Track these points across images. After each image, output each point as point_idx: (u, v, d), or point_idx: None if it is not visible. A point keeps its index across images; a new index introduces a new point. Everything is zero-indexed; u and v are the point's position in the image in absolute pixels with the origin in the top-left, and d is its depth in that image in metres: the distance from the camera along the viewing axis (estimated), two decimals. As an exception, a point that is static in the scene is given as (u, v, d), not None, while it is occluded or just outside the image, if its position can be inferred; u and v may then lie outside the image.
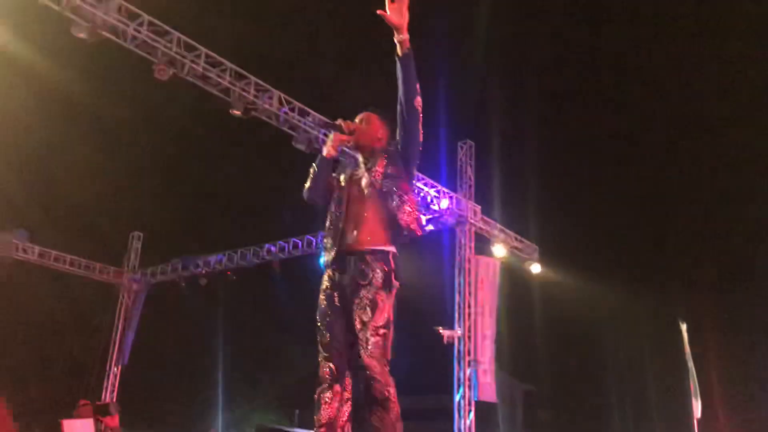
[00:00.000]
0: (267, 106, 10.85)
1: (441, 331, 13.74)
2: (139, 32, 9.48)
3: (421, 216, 3.61)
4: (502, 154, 14.84)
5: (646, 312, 22.24)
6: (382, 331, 3.36)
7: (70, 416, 6.65)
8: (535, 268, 15.12)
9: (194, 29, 10.23)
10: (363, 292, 3.42)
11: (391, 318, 3.43)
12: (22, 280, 17.26)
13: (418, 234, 3.57)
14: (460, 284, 13.24)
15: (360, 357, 3.34)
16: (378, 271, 3.44)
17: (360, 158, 3.74)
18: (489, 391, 13.10)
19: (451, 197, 13.39)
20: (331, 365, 3.47)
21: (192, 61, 10.05)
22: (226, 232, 16.85)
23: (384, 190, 3.53)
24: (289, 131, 11.21)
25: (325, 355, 3.50)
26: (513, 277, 15.15)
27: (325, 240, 3.64)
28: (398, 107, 3.59)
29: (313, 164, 3.78)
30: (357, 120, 3.83)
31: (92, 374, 16.83)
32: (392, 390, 3.31)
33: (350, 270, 3.48)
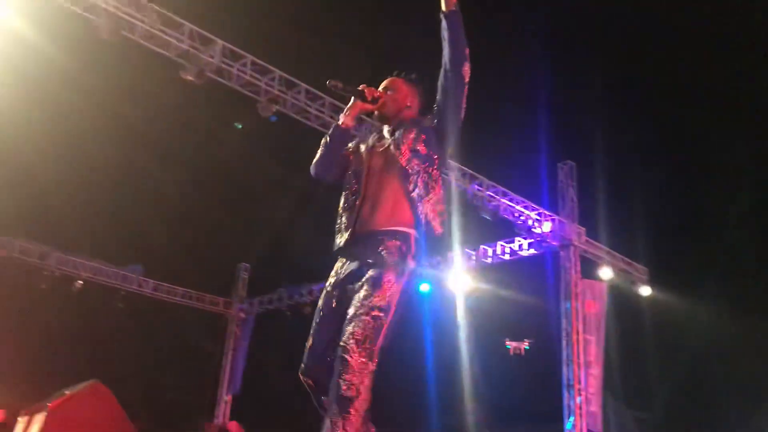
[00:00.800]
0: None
1: (508, 342, 13.45)
2: (243, 72, 9.89)
3: (443, 213, 3.01)
4: (605, 174, 14.34)
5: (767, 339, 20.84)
6: (376, 313, 2.71)
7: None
8: (645, 291, 14.53)
9: (293, 66, 10.57)
10: (369, 272, 2.85)
11: (395, 306, 2.78)
12: (137, 312, 18.12)
13: (437, 233, 3.00)
14: (566, 309, 12.87)
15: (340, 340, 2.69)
16: (393, 249, 2.87)
17: (385, 129, 3.19)
18: (597, 420, 12.60)
19: (553, 219, 13.10)
20: (310, 381, 2.92)
21: (293, 97, 10.37)
22: (330, 261, 17.10)
23: (409, 170, 2.96)
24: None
25: (303, 365, 2.94)
26: (621, 301, 14.58)
27: (338, 221, 3.13)
28: (442, 74, 3.02)
29: (326, 135, 3.27)
30: (381, 87, 3.28)
31: (205, 402, 17.42)
32: (362, 390, 2.61)
33: (362, 255, 2.93)
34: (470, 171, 12.34)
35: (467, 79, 3.00)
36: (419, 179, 2.94)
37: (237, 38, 9.93)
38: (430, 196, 2.96)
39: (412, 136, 3.01)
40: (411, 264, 2.90)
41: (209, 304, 18.45)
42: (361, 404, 2.60)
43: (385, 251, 2.86)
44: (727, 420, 24.66)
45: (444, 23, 2.96)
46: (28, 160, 13.04)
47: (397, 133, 3.08)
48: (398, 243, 2.89)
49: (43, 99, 11.25)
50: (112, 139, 13.31)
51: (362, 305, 2.75)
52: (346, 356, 2.62)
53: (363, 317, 2.71)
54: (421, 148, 2.98)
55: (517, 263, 14.23)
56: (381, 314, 2.73)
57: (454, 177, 12.00)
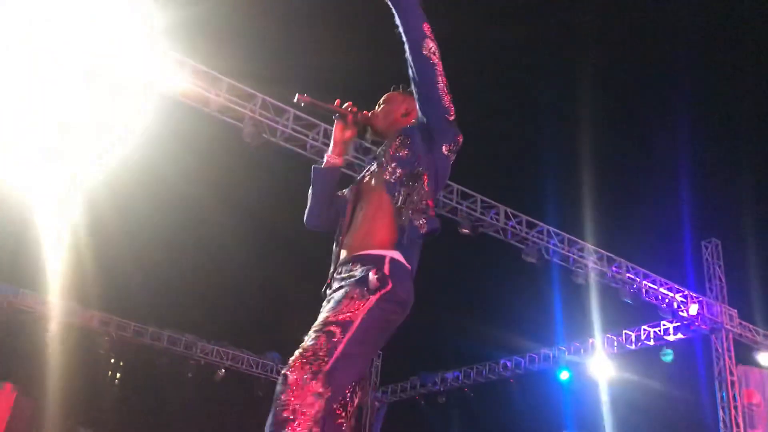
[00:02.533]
0: (494, 221, 10.95)
1: None
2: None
3: (429, 208, 2.54)
4: (754, 251, 13.37)
5: None
6: (330, 329, 2.31)
7: None
8: (815, 378, 13.08)
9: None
10: (333, 296, 2.49)
11: (357, 327, 2.32)
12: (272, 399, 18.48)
13: (422, 231, 2.53)
14: (723, 399, 11.81)
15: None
16: (364, 271, 2.47)
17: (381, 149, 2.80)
18: None
19: (700, 301, 12.26)
20: None
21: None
22: (462, 348, 16.86)
23: (392, 181, 2.58)
24: (518, 244, 11.16)
25: None
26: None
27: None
28: (409, 71, 2.59)
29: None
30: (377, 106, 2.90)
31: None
32: (299, 414, 2.17)
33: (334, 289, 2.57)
34: (607, 253, 11.88)
35: (435, 59, 2.54)
36: (402, 187, 2.55)
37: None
38: (413, 197, 2.54)
39: (396, 143, 2.65)
40: (385, 285, 2.42)
41: (343, 392, 18.55)
42: (296, 430, 2.15)
43: (352, 277, 2.48)
44: None
45: (393, 9, 2.54)
46: (169, 257, 13.93)
47: (382, 147, 2.74)
48: (371, 267, 2.47)
49: (174, 196, 11.98)
50: (245, 233, 14.02)
51: (317, 324, 2.38)
52: (287, 372, 2.24)
53: (315, 334, 2.33)
54: (403, 153, 2.61)
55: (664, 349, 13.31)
56: (336, 331, 2.30)
57: (591, 260, 11.59)
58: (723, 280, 12.58)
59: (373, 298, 2.36)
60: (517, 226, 11.10)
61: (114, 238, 12.46)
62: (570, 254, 11.49)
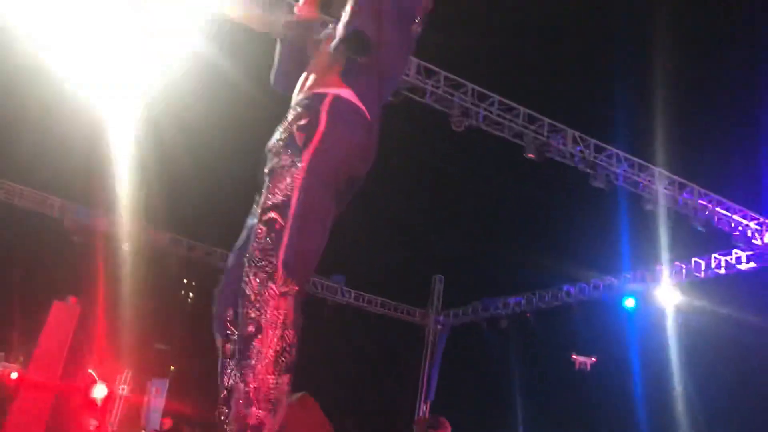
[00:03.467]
0: (561, 146, 10.68)
1: (574, 357, 12.35)
2: (437, 88, 10.03)
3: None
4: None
5: None
6: (269, 215, 2.00)
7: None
8: None
9: (486, 78, 10.53)
10: (271, 164, 2.12)
11: (297, 202, 2.01)
12: (339, 322, 19.00)
13: (368, 45, 2.12)
14: (795, 330, 11.50)
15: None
16: (301, 119, 2.10)
17: None
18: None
19: (776, 230, 11.80)
20: (224, 380, 2.20)
21: (485, 109, 10.33)
22: (526, 274, 16.84)
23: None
24: (586, 170, 10.89)
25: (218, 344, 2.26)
26: None
27: None
28: None
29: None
30: None
31: (404, 410, 17.84)
32: (264, 324, 1.93)
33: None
34: (679, 179, 11.48)
35: None
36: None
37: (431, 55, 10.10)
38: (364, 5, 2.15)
39: None
40: (313, 133, 2.06)
41: (406, 314, 18.90)
42: (265, 344, 1.91)
43: (291, 128, 2.11)
44: None
45: None
46: (237, 180, 14.18)
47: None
48: (308, 111, 2.11)
49: (240, 121, 12.11)
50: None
51: (257, 211, 2.08)
52: (242, 285, 1.96)
53: (256, 229, 2.02)
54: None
55: (735, 278, 12.97)
56: (276, 216, 1.99)
57: (662, 186, 11.24)
58: (803, 207, 12.05)
59: (304, 164, 2.03)
60: (585, 151, 10.81)
61: (184, 162, 12.74)
62: (640, 180, 11.17)
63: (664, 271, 13.48)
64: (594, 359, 13.27)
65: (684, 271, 13.43)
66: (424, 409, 18.36)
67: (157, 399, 15.49)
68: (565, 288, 15.68)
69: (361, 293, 18.12)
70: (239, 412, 1.88)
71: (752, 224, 11.90)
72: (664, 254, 13.02)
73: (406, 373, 19.28)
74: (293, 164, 2.02)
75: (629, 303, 14.61)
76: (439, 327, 18.76)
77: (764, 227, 11.88)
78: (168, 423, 14.30)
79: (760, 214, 12.02)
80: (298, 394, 2.42)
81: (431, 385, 18.29)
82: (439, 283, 19.28)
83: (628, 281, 14.50)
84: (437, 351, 18.71)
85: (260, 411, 1.87)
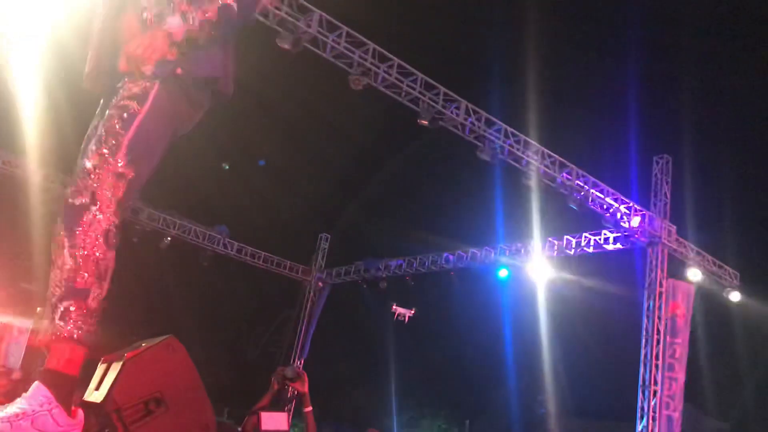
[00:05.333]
0: (454, 116, 10.87)
1: (394, 308, 13.20)
2: (337, 44, 9.91)
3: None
4: (701, 172, 13.71)
5: None
6: (126, 103, 2.11)
7: (262, 397, 6.98)
8: (735, 297, 13.83)
9: (388, 40, 10.51)
10: None
11: (155, 95, 2.15)
12: (220, 273, 18.73)
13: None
14: (649, 308, 12.42)
15: None
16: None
17: None
18: (674, 425, 12.14)
19: (643, 215, 12.61)
20: None
21: (385, 71, 10.33)
22: (408, 239, 17.19)
23: None
24: (475, 141, 11.16)
25: None
26: (709, 305, 13.96)
27: None
28: None
29: None
30: None
31: (277, 366, 17.89)
32: (105, 202, 1.98)
33: None
34: (560, 158, 12.01)
35: None
36: None
37: (334, 9, 9.95)
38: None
39: None
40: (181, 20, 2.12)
41: (289, 270, 18.84)
42: (96, 216, 1.96)
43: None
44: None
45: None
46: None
47: None
48: None
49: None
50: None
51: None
52: (82, 159, 2.02)
53: (108, 114, 2.07)
54: None
55: (603, 257, 13.82)
56: (132, 104, 2.06)
57: (544, 164, 11.72)
58: (668, 196, 12.92)
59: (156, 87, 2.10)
60: (476, 123, 11.07)
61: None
62: (524, 156, 11.58)
63: (537, 245, 14.13)
64: (413, 312, 13.86)
65: (556, 246, 14.13)
66: (298, 364, 18.48)
67: (21, 337, 14.77)
68: (444, 255, 16.13)
69: (244, 246, 17.87)
70: (67, 277, 1.92)
71: (622, 207, 12.65)
72: (539, 229, 13.67)
73: (284, 328, 19.32)
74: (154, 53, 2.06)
75: (503, 273, 15.26)
76: (320, 285, 18.86)
77: (632, 211, 12.66)
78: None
79: (631, 199, 12.79)
80: (165, 337, 2.36)
81: (306, 341, 18.42)
82: (324, 241, 19.32)
83: (504, 252, 15.11)
84: (316, 308, 18.83)
85: (87, 276, 1.93)
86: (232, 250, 17.59)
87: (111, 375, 2.30)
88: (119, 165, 1.97)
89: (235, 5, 2.29)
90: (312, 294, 18.87)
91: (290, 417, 13.01)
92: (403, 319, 13.96)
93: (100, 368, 2.47)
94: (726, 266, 14.00)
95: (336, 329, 21.96)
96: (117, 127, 2.00)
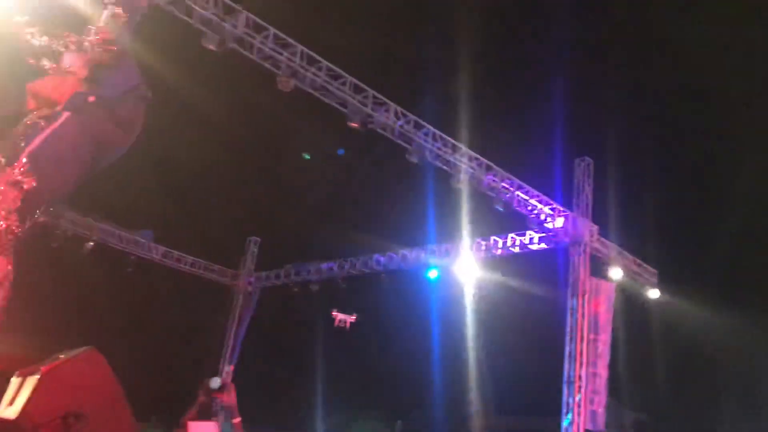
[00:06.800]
0: (384, 119, 10.93)
1: (334, 313, 13.46)
2: (264, 45, 9.80)
3: None
4: (622, 174, 14.22)
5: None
6: (36, 120, 2.19)
7: (188, 409, 6.83)
8: (654, 294, 14.41)
9: (317, 42, 10.46)
10: None
11: (71, 125, 2.16)
12: (145, 278, 18.21)
13: None
14: (572, 306, 12.79)
15: None
16: None
17: None
18: (598, 419, 12.54)
19: (566, 215, 12.99)
20: None
21: (313, 73, 10.28)
22: (339, 242, 17.17)
23: None
24: (404, 144, 11.25)
25: None
26: (630, 303, 14.48)
27: None
28: None
29: None
30: None
31: (206, 373, 17.52)
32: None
33: None
34: (486, 161, 12.23)
35: None
36: None
37: (261, 10, 9.83)
38: None
39: None
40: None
41: (217, 274, 18.52)
42: None
43: None
44: (730, 425, 24.63)
45: None
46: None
47: None
48: None
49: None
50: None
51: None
52: None
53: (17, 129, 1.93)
54: None
55: (530, 257, 14.16)
56: (41, 121, 2.02)
57: (471, 167, 11.91)
58: (590, 197, 13.33)
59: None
60: (405, 126, 11.15)
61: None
62: (452, 158, 11.75)
63: (466, 246, 14.36)
64: (354, 318, 13.94)
65: (483, 247, 14.40)
66: (227, 371, 18.17)
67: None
68: (375, 257, 16.19)
69: (171, 250, 17.46)
70: None
71: (546, 209, 12.99)
72: (467, 231, 13.90)
73: (213, 334, 18.96)
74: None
75: (432, 274, 15.44)
76: (249, 289, 18.61)
77: (556, 212, 13.02)
78: None
79: (554, 201, 13.14)
80: (84, 348, 2.28)
81: (236, 347, 18.14)
82: (253, 245, 19.08)
83: (433, 253, 15.28)
84: (246, 313, 18.58)
85: None
86: (157, 255, 17.16)
87: (26, 389, 2.21)
88: (15, 173, 1.89)
89: (121, 11, 2.27)
90: (241, 298, 18.60)
91: (221, 427, 12.77)
92: (344, 325, 13.90)
93: (14, 382, 2.37)
94: (646, 265, 14.56)
95: (267, 334, 21.69)
96: (20, 138, 1.91)
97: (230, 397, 6.02)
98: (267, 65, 10.00)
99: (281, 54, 9.95)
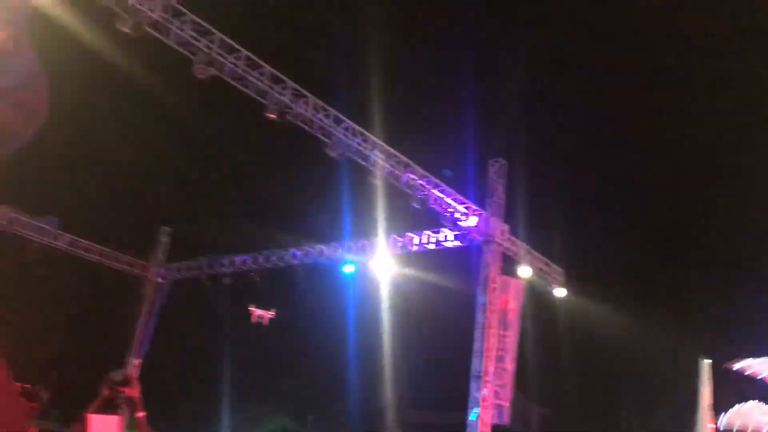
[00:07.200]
0: (303, 111, 10.87)
1: (251, 309, 13.68)
2: (182, 30, 9.57)
3: None
4: (534, 177, 14.69)
5: (670, 344, 21.85)
6: None
7: (91, 403, 6.62)
8: (560, 293, 14.94)
9: (237, 31, 10.29)
10: None
11: None
12: (50, 267, 17.48)
13: None
14: (483, 303, 13.11)
15: None
16: None
17: None
18: (504, 414, 12.92)
19: (479, 214, 13.30)
20: None
21: (232, 62, 10.12)
22: (254, 235, 16.95)
23: None
24: (323, 138, 11.23)
25: None
26: (537, 300, 14.98)
27: None
28: None
29: None
30: None
31: (113, 366, 16.96)
32: None
33: None
34: (405, 158, 12.37)
35: None
36: None
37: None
38: None
39: None
40: None
41: (126, 265, 17.95)
42: None
43: None
44: (628, 418, 25.84)
45: None
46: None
47: None
48: None
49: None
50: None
51: None
52: None
53: None
54: None
55: (445, 254, 14.43)
56: None
57: (387, 163, 12.01)
58: (503, 197, 13.71)
59: None
60: (324, 119, 11.13)
61: None
62: (371, 154, 11.82)
63: (382, 242, 14.49)
64: (273, 313, 13.88)
65: (400, 243, 14.57)
66: (135, 363, 17.66)
67: None
68: (291, 251, 16.09)
69: (78, 239, 16.79)
70: None
71: (461, 207, 13.25)
72: (383, 227, 14.03)
73: (121, 326, 18.38)
74: None
75: (348, 269, 15.48)
76: (160, 280, 18.14)
77: (470, 212, 13.31)
78: None
79: (469, 200, 13.43)
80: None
81: (145, 340, 17.65)
82: (165, 235, 18.58)
83: (349, 248, 15.34)
84: (156, 305, 18.10)
85: None
86: (63, 243, 16.48)
87: None
88: None
89: None
90: (152, 290, 18.11)
91: (126, 420, 12.41)
92: (262, 321, 13.70)
93: None
94: (553, 264, 15.07)
95: (178, 327, 21.20)
96: None
97: (134, 391, 5.86)
98: (183, 51, 9.77)
99: (199, 41, 9.74)
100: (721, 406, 16.48)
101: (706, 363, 11.55)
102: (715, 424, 11.34)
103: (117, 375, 5.90)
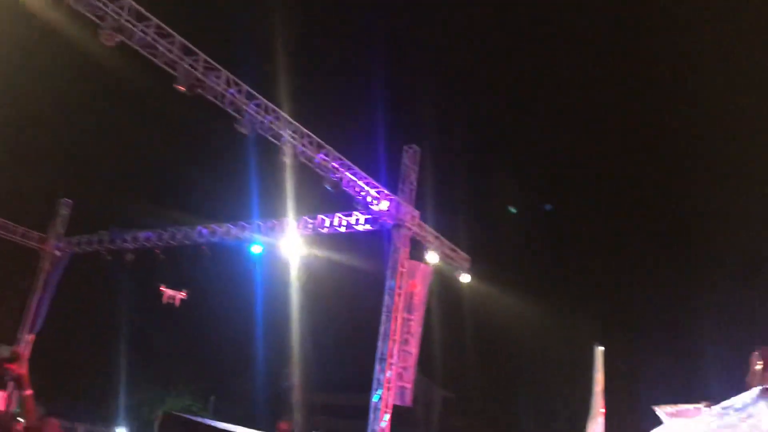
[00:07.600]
0: (214, 85, 10.60)
1: (162, 288, 13.79)
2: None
3: None
4: (446, 164, 14.94)
5: (565, 330, 22.81)
6: None
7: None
8: (465, 279, 15.26)
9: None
10: None
11: None
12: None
13: None
14: (390, 286, 13.25)
15: None
16: None
17: None
18: (407, 395, 13.14)
19: (391, 199, 13.38)
20: None
21: (142, 30, 9.74)
22: (162, 211, 16.46)
23: None
24: (234, 113, 10.99)
25: None
26: (444, 286, 15.27)
27: None
28: None
29: None
30: None
31: (4, 341, 16.17)
32: None
33: None
34: (318, 139, 12.28)
35: None
36: None
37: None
38: None
39: None
40: None
41: (20, 236, 17.07)
42: None
43: None
44: (524, 405, 26.87)
45: None
46: None
47: None
48: None
49: None
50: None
51: None
52: None
53: None
54: None
55: (356, 237, 14.45)
56: None
57: (300, 142, 11.90)
58: (414, 183, 13.85)
59: None
60: (236, 95, 10.90)
61: None
62: (283, 133, 11.66)
63: (292, 222, 14.37)
64: (185, 294, 13.63)
65: (310, 225, 14.49)
66: (28, 339, 16.88)
67: None
68: (198, 228, 15.73)
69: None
70: None
71: (373, 192, 13.30)
72: (293, 207, 13.92)
73: (14, 300, 17.53)
74: None
75: (256, 249, 15.28)
76: (57, 254, 17.36)
77: (382, 196, 13.37)
78: None
79: (381, 184, 13.49)
80: None
81: (39, 314, 16.89)
82: (64, 207, 17.79)
83: (258, 229, 15.13)
84: (52, 279, 17.33)
85: None
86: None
87: None
88: None
89: None
90: (48, 263, 17.32)
91: (14, 397, 11.90)
92: (172, 301, 13.31)
93: None
94: (459, 251, 15.37)
95: (76, 302, 20.42)
96: None
97: (21, 368, 5.57)
98: (91, 16, 9.33)
99: (107, 6, 9.32)
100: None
101: (599, 350, 12.03)
102: (605, 408, 11.95)
103: (4, 351, 5.61)
